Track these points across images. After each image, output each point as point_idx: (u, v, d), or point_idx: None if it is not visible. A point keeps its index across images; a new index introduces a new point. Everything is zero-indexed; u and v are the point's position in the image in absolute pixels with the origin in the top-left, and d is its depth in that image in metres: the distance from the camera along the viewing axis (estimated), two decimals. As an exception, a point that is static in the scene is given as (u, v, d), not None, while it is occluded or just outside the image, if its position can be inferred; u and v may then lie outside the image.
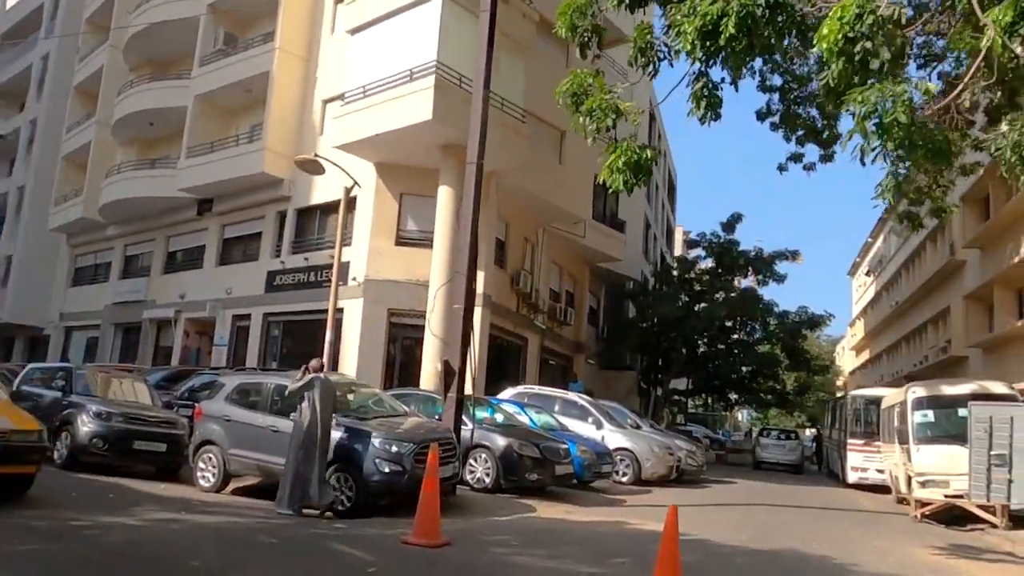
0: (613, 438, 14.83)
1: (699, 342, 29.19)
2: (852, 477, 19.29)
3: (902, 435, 13.99)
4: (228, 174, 21.03)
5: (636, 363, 31.38)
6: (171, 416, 11.24)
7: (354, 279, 18.03)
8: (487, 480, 10.75)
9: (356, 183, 14.21)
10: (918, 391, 13.82)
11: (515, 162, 17.93)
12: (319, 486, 8.29)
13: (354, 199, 18.97)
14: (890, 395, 17.99)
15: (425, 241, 17.92)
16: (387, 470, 8.37)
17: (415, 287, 17.66)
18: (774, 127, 14.65)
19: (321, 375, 8.82)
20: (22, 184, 33.01)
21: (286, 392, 9.08)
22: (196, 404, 11.38)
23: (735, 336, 29.34)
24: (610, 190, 7.76)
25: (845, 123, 14.56)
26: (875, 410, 19.60)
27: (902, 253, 38.49)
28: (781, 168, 15.71)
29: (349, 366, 17.16)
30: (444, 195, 16.90)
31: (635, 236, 29.76)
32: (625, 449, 14.72)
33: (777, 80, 14.13)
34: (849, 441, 19.77)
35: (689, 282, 29.57)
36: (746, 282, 28.96)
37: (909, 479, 13.62)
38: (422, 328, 17.12)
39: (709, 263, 30.03)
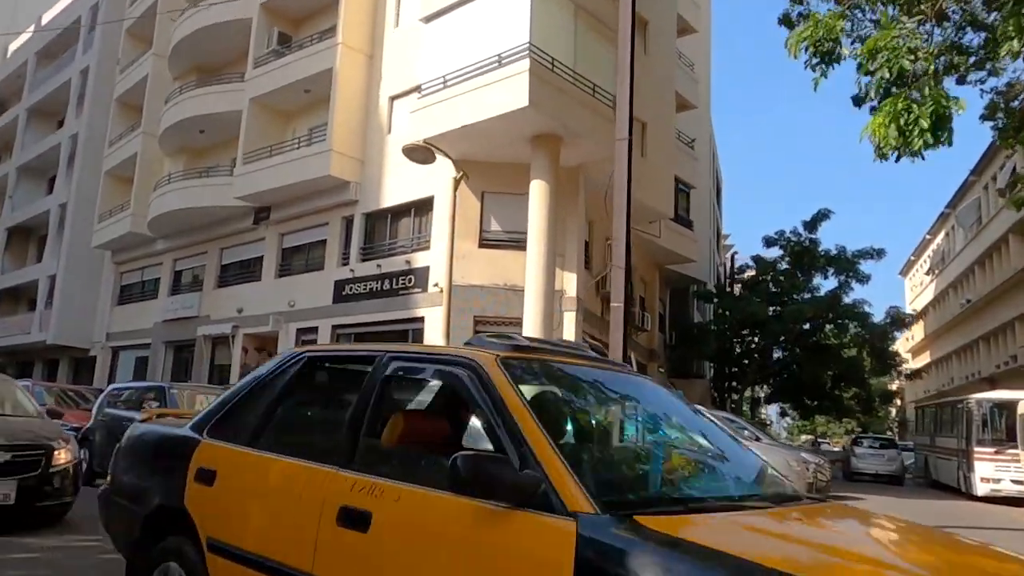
0: (744, 453, 13.20)
1: (775, 347, 27.47)
2: (982, 489, 17.55)
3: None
4: (290, 179, 19.77)
5: (704, 370, 29.71)
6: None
7: (435, 284, 16.68)
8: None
9: (465, 174, 12.83)
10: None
11: (604, 153, 16.46)
12: None
13: (430, 199, 17.76)
14: (1034, 398, 16.31)
15: (510, 242, 16.59)
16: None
17: (503, 292, 16.31)
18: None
19: None
20: (63, 201, 32.07)
21: None
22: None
23: (813, 339, 27.57)
24: (902, 157, 6.27)
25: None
26: (1005, 415, 17.93)
27: (972, 248, 36.45)
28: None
29: (434, 379, 15.73)
30: (537, 190, 15.51)
31: (703, 236, 28.19)
32: (760, 465, 13.08)
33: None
34: (976, 450, 18.03)
35: (765, 283, 27.87)
36: (826, 283, 27.17)
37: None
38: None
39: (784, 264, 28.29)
